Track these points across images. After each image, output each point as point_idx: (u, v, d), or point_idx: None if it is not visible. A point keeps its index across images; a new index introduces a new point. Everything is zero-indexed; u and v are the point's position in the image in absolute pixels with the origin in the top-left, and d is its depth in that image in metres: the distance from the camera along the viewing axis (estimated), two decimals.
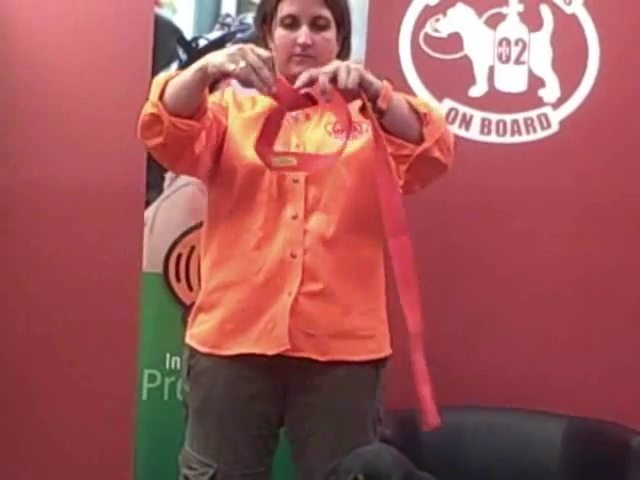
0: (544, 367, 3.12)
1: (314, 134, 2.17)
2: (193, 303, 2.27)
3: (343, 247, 2.12)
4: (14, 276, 3.16)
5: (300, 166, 2.05)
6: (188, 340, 2.22)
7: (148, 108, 2.03)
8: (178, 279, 2.74)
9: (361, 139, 2.15)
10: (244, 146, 2.13)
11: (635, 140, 3.16)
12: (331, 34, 2.19)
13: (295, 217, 2.11)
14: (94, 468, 3.09)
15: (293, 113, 2.17)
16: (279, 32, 2.18)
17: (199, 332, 2.19)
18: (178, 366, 2.61)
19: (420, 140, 2.03)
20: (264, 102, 2.16)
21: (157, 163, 2.21)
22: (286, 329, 2.08)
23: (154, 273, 2.73)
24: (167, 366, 2.72)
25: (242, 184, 2.14)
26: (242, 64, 1.91)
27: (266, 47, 2.24)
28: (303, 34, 2.15)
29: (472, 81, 3.18)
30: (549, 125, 3.17)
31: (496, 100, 3.18)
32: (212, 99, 2.15)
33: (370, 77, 1.97)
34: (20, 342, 3.15)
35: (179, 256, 2.73)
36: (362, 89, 1.96)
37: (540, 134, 3.17)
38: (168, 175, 2.68)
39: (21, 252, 3.15)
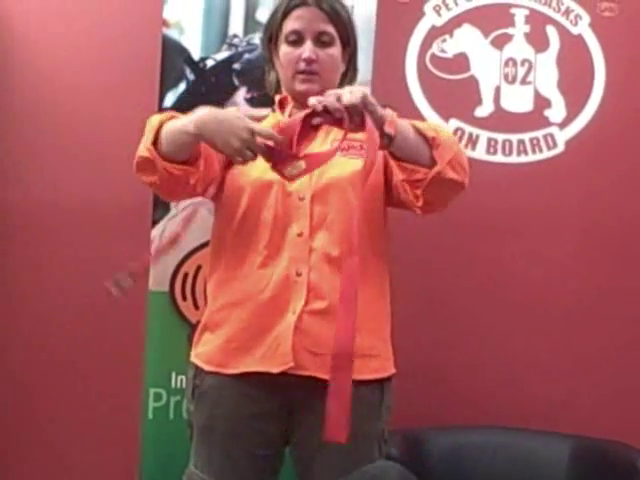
0: (550, 386, 3.11)
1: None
2: (199, 322, 2.27)
3: None
4: (19, 294, 3.16)
5: (309, 167, 2.03)
6: (193, 359, 2.21)
7: (142, 151, 2.04)
8: (184, 298, 2.74)
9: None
10: (251, 165, 2.14)
11: None
12: (335, 51, 2.20)
13: (300, 235, 2.11)
14: None
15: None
16: (284, 49, 2.20)
17: (204, 351, 2.19)
18: (184, 385, 2.59)
19: (432, 164, 2.02)
20: (271, 120, 2.17)
21: None
22: (290, 347, 2.08)
23: (160, 292, 2.73)
24: (173, 385, 2.71)
25: (248, 203, 2.14)
26: (249, 154, 1.95)
27: (272, 67, 2.27)
28: (307, 49, 2.16)
29: (478, 101, 3.19)
30: (555, 145, 3.18)
31: (502, 120, 3.19)
32: None
33: (373, 100, 1.95)
34: (25, 360, 3.15)
35: (185, 275, 2.74)
36: (367, 111, 1.94)
37: (546, 154, 3.18)
38: None
39: (27, 270, 3.16)
